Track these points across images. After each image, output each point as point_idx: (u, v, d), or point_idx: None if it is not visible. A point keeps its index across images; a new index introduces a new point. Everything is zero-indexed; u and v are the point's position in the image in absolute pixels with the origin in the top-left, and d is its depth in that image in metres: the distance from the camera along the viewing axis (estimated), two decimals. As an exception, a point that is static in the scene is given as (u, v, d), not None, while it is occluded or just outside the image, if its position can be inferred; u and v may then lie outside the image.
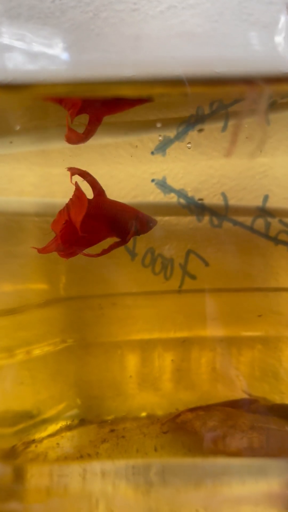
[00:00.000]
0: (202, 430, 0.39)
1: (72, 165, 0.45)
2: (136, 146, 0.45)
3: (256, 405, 0.45)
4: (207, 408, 0.44)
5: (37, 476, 0.28)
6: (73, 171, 0.39)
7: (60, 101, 0.38)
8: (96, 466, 0.26)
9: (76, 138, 0.40)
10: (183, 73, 0.32)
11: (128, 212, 0.42)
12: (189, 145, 0.44)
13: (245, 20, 0.31)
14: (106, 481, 0.26)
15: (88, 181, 0.40)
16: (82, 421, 0.47)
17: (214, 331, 0.49)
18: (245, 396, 0.47)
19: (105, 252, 0.41)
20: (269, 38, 0.31)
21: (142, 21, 0.31)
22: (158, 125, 0.39)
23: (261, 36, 0.31)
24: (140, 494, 0.25)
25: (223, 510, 0.26)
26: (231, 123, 0.43)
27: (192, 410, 0.44)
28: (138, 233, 0.42)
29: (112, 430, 0.45)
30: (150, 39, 0.31)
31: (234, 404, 0.44)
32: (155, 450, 0.41)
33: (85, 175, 0.40)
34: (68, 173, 0.41)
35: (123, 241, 0.42)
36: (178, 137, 0.44)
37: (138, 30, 0.31)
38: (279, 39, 0.31)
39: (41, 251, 0.40)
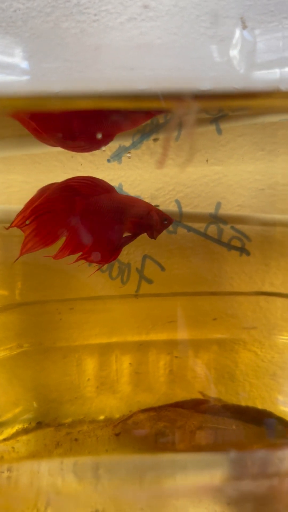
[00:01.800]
0: (152, 431, 0.40)
1: (31, 172, 0.45)
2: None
3: (207, 405, 0.45)
4: (159, 409, 0.44)
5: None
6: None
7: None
8: (45, 464, 0.27)
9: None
10: (142, 89, 0.32)
11: (140, 207, 0.42)
12: (129, 155, 0.45)
13: (203, 34, 0.32)
14: (54, 476, 0.26)
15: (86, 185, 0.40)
16: (39, 424, 0.47)
17: (171, 334, 0.50)
18: (200, 397, 0.48)
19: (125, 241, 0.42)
20: (226, 51, 0.32)
21: (103, 31, 0.31)
22: (103, 148, 0.40)
23: (218, 50, 0.32)
24: (88, 488, 0.25)
25: (166, 503, 0.27)
26: (185, 132, 0.44)
27: (144, 411, 0.45)
28: (151, 229, 0.42)
29: (68, 433, 0.45)
30: (110, 49, 0.32)
31: (186, 405, 0.45)
32: (106, 451, 0.41)
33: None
34: (30, 180, 0.41)
35: (132, 236, 0.42)
36: (134, 145, 0.45)
37: (99, 41, 0.32)
38: (234, 52, 0.32)
39: (56, 257, 0.40)
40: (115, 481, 0.26)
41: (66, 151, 0.46)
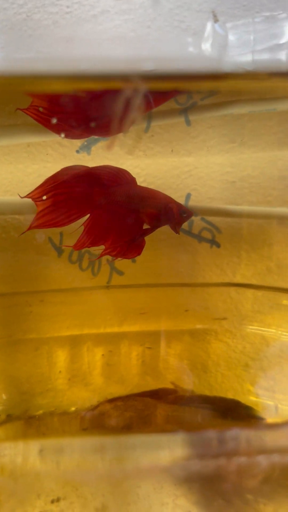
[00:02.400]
0: (118, 421, 0.40)
1: (2, 164, 0.45)
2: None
3: (174, 395, 0.46)
4: (126, 399, 0.44)
5: None
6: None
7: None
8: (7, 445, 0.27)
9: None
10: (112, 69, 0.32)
11: (158, 199, 0.42)
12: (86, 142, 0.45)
13: (177, 27, 0.32)
14: (16, 454, 0.26)
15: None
16: (9, 417, 0.47)
17: (143, 325, 0.51)
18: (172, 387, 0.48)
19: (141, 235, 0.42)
20: (198, 44, 0.33)
21: (75, 24, 0.32)
22: (62, 135, 0.39)
23: (191, 43, 0.33)
24: (49, 465, 0.25)
25: (128, 490, 0.27)
26: (154, 123, 0.44)
27: (110, 401, 0.45)
28: (170, 221, 0.42)
29: (37, 427, 0.45)
30: (82, 41, 0.32)
31: (153, 394, 0.45)
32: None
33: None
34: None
35: (151, 228, 0.42)
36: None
37: (71, 33, 0.32)
38: (206, 45, 0.33)
39: (76, 247, 0.41)
40: (77, 465, 0.26)
41: (36, 143, 0.46)
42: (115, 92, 0.35)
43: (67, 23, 0.32)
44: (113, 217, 0.41)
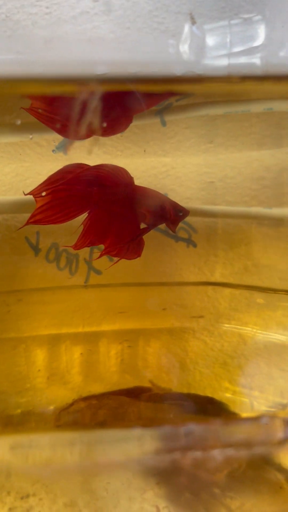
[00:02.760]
0: (92, 419, 0.40)
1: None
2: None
3: (149, 393, 0.46)
4: (100, 397, 0.44)
5: None
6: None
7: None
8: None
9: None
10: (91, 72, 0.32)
11: (154, 199, 0.42)
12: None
13: (156, 28, 0.32)
14: None
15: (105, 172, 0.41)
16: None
17: (122, 324, 0.51)
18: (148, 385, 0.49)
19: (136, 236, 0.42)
20: (177, 46, 0.33)
21: (55, 24, 0.32)
22: (31, 136, 0.40)
23: (170, 44, 0.33)
24: (20, 462, 0.26)
25: (95, 477, 0.28)
26: (131, 124, 0.45)
27: (85, 399, 0.45)
28: (166, 220, 0.42)
29: (15, 425, 0.45)
30: (61, 42, 0.32)
31: (129, 393, 0.46)
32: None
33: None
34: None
35: (148, 228, 0.43)
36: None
37: (51, 33, 0.32)
38: (184, 47, 0.33)
39: (75, 247, 0.41)
40: (47, 461, 0.26)
41: (14, 143, 0.46)
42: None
43: (47, 23, 0.32)
44: (111, 216, 0.41)
